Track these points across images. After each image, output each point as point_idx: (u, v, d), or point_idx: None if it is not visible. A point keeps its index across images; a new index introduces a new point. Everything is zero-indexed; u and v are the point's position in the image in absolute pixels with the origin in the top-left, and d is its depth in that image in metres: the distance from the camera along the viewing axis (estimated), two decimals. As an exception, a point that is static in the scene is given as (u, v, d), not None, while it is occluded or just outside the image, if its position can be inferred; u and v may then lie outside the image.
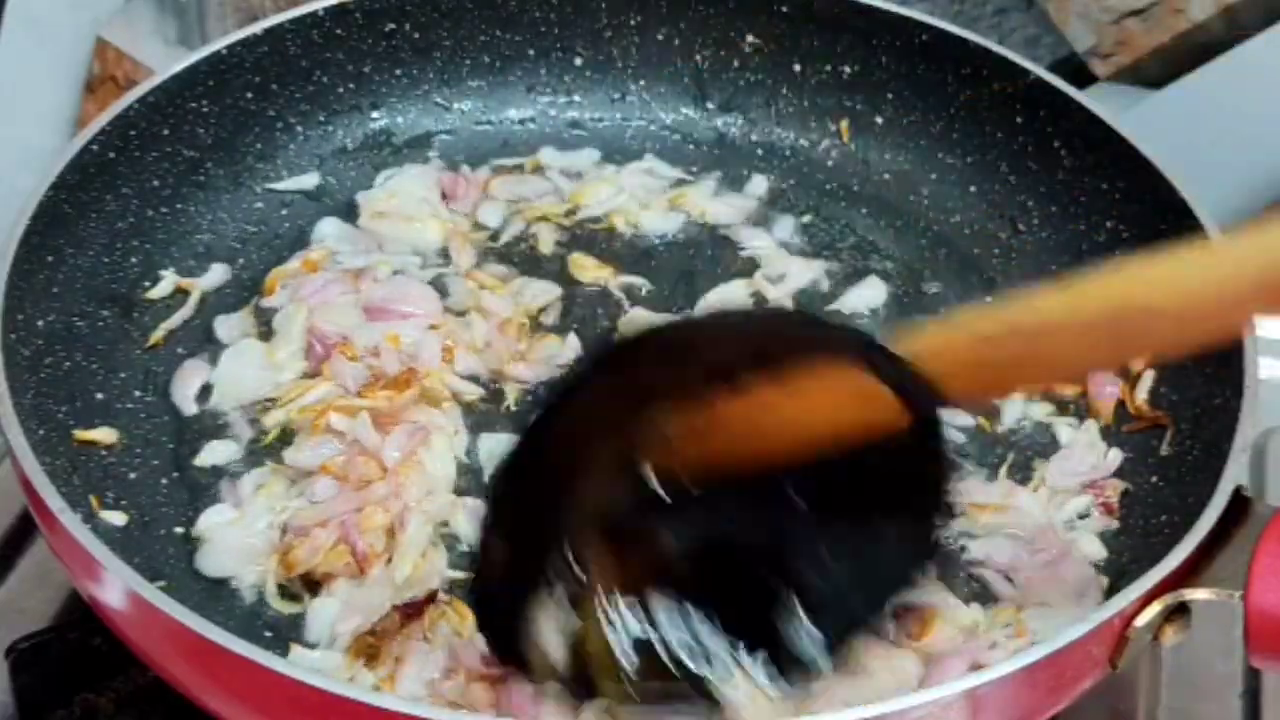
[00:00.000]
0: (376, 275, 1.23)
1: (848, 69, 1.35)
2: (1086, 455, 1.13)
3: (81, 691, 1.06)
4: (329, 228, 1.29)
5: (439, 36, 1.35)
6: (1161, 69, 1.49)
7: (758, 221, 1.32)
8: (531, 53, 1.38)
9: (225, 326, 1.21)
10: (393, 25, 1.33)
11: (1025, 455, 1.15)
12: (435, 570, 1.04)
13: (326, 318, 1.18)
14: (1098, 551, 1.08)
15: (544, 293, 1.25)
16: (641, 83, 1.39)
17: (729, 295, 1.26)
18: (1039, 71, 1.27)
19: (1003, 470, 1.13)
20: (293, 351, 1.17)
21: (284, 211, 1.29)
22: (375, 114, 1.36)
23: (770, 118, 1.38)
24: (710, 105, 1.39)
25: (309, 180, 1.32)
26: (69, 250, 1.15)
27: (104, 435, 1.11)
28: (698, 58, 1.38)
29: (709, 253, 1.30)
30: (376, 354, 1.15)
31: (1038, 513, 1.09)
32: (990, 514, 1.09)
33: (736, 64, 1.38)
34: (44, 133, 1.70)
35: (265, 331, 1.20)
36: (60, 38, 1.67)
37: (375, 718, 0.85)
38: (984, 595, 1.06)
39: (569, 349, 1.20)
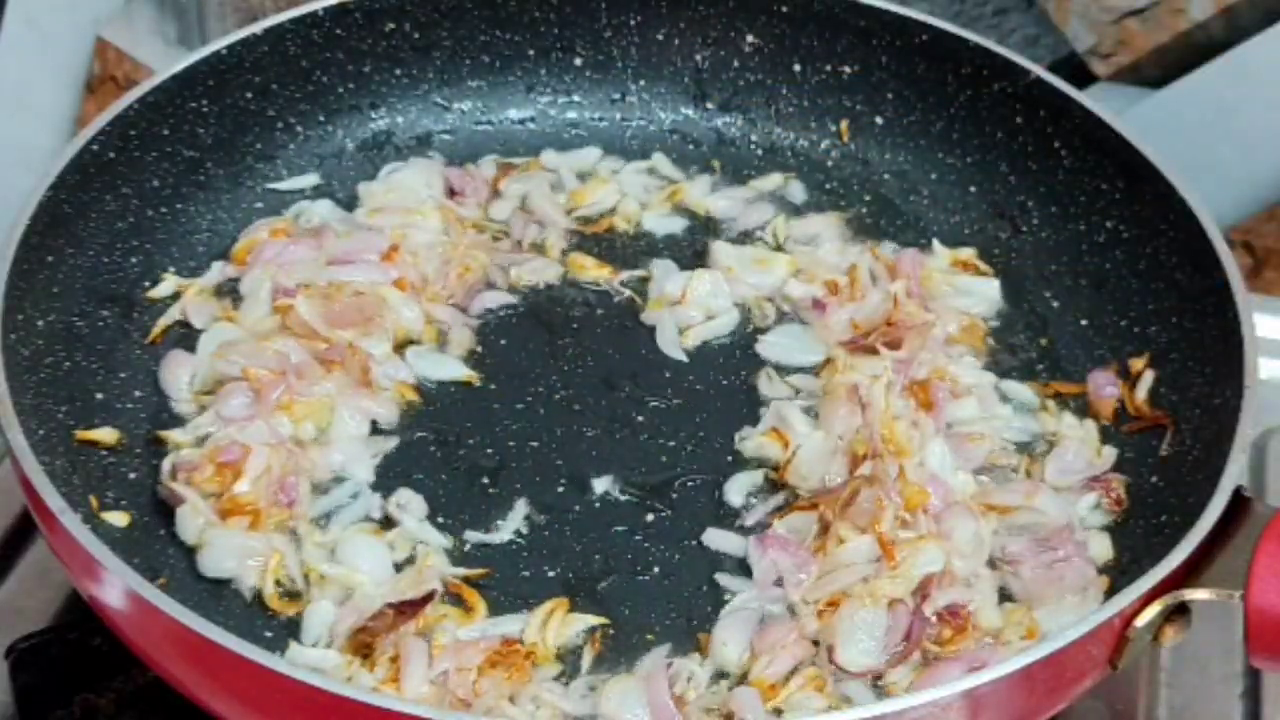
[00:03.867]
0: (336, 230, 1.23)
1: (848, 69, 1.35)
2: (1082, 451, 1.13)
3: (81, 691, 1.06)
4: (323, 208, 1.29)
5: (439, 36, 1.35)
6: (1161, 69, 1.49)
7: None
8: (531, 53, 1.38)
9: (199, 314, 1.20)
10: (393, 25, 1.33)
11: (1024, 455, 1.15)
12: (435, 570, 1.04)
13: (288, 275, 1.19)
14: (1105, 552, 1.08)
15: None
16: (641, 83, 1.39)
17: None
18: (1039, 71, 1.27)
19: (1021, 469, 1.13)
20: (260, 315, 1.18)
21: (284, 212, 1.29)
22: (375, 114, 1.35)
23: (770, 118, 1.38)
24: (710, 105, 1.39)
25: (309, 180, 1.32)
26: (69, 250, 1.15)
27: (104, 435, 1.11)
28: (698, 58, 1.38)
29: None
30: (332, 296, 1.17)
31: (1057, 513, 1.09)
32: (1012, 513, 1.09)
33: (736, 64, 1.38)
34: (44, 133, 1.70)
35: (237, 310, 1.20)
36: (60, 38, 1.67)
37: (374, 717, 0.85)
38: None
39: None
